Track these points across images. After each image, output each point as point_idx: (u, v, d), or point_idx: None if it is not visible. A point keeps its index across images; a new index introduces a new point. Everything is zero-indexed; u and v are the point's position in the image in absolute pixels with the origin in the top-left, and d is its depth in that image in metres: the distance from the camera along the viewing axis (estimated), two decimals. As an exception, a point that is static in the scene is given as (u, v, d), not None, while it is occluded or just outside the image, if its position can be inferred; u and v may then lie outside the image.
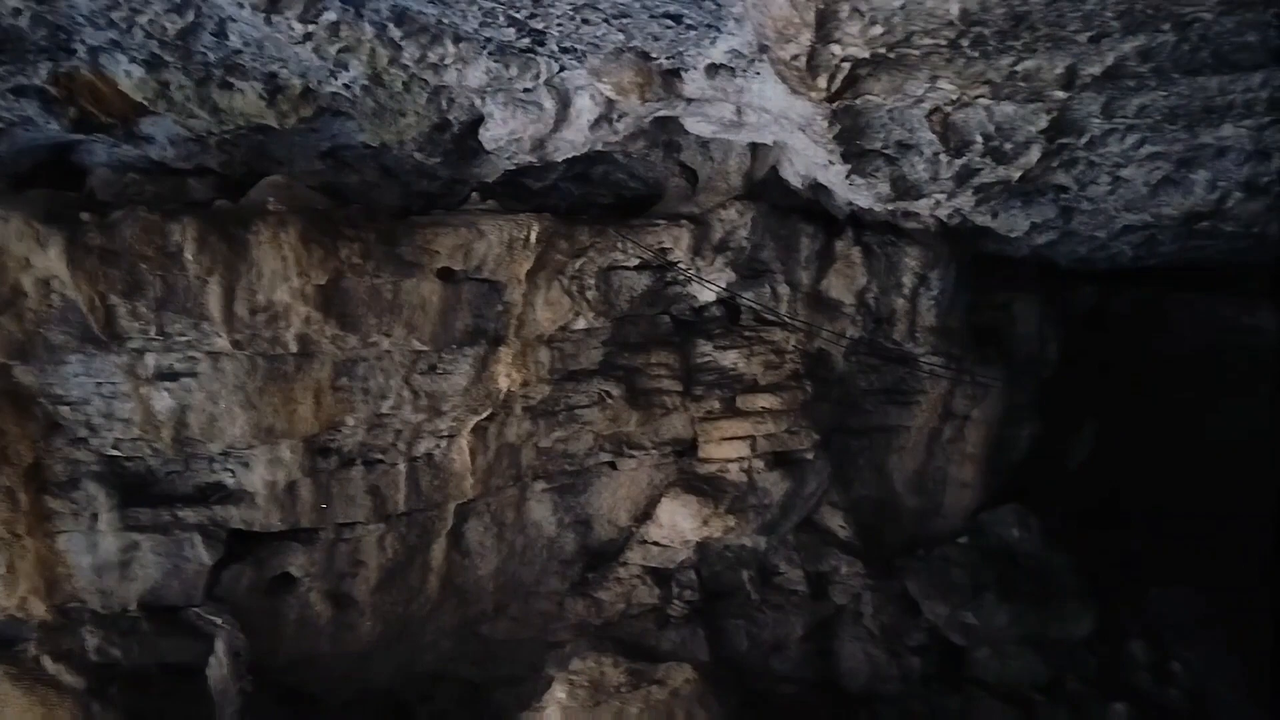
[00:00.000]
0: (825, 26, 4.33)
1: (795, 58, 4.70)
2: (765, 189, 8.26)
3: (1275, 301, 11.08)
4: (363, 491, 7.22)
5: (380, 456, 7.28)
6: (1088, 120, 5.79)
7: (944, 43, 4.41)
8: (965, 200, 7.48)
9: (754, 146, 7.87)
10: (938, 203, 7.63)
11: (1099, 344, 11.24)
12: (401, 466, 7.32)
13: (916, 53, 4.62)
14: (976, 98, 5.42)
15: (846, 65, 4.71)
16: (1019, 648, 8.93)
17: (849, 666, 8.82)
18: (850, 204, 8.23)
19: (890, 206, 7.40)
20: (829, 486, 9.02)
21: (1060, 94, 5.18)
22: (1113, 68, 4.90)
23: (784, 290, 8.65)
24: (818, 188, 7.94)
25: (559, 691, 7.11)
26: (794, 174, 7.84)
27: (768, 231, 8.33)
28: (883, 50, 4.52)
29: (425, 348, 7.01)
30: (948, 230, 8.82)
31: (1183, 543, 10.75)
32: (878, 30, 4.28)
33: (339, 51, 5.79)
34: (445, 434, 7.44)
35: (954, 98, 5.39)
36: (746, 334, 8.65)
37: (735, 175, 7.95)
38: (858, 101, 5.43)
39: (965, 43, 4.42)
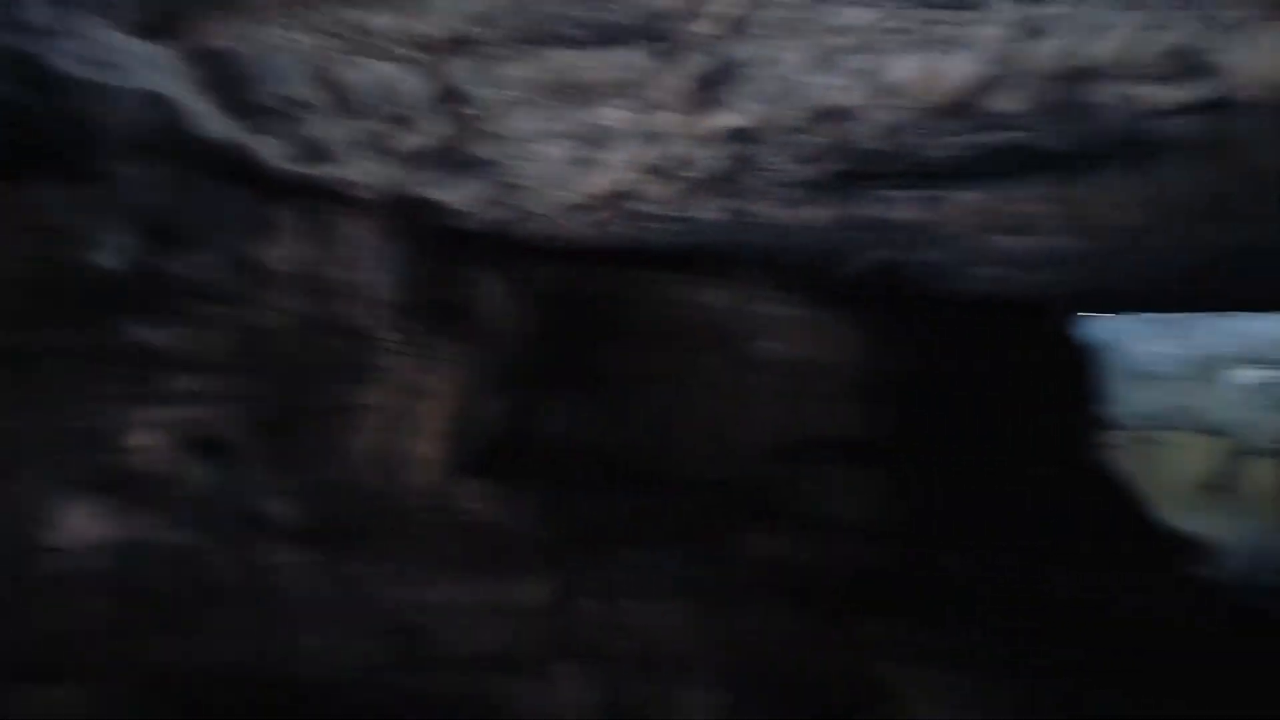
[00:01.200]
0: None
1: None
2: (187, 146, 7.42)
3: (719, 282, 12.33)
4: None
5: None
6: (475, 89, 5.76)
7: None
8: (393, 169, 7.30)
9: (161, 96, 7.02)
10: (367, 171, 7.37)
11: (571, 321, 11.75)
12: None
13: (236, -10, 4.21)
14: (348, 53, 5.16)
15: (158, -3, 4.17)
16: (477, 619, 9.03)
17: (305, 659, 8.33)
18: (286, 168, 7.69)
19: (311, 170, 6.99)
20: (276, 473, 8.44)
21: (423, 56, 5.06)
22: (465, 34, 4.86)
23: (217, 260, 7.89)
24: (247, 148, 7.30)
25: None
26: (216, 130, 7.12)
27: (188, 193, 7.52)
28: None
29: None
30: (399, 201, 8.59)
31: (657, 508, 11.59)
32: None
33: None
34: None
35: (323, 52, 5.08)
36: (173, 308, 7.77)
37: (138, 126, 7.04)
38: (213, 46, 4.92)
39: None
